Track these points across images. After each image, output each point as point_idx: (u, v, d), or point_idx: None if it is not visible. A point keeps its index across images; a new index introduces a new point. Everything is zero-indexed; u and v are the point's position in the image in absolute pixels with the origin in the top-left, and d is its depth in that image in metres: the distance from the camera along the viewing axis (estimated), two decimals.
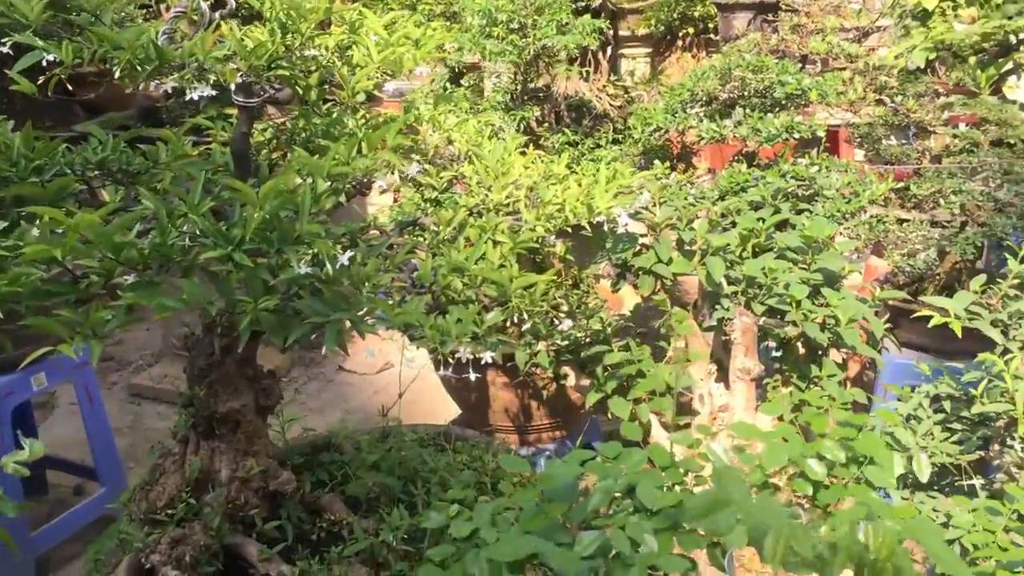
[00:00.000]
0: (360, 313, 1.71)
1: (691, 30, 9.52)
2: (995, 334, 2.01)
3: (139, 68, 1.81)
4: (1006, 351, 1.97)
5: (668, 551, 1.29)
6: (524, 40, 3.71)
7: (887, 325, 2.90)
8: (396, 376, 4.59)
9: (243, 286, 1.82)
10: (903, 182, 4.79)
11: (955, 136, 5.21)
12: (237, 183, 1.71)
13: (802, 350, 2.84)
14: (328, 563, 2.13)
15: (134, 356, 6.07)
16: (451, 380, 3.78)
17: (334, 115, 2.23)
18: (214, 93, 1.84)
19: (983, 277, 2.15)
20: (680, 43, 10.40)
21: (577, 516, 1.37)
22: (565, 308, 3.55)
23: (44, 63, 1.91)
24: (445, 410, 4.25)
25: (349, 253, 1.68)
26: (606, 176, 2.43)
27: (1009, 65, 6.17)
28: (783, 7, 5.66)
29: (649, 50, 11.10)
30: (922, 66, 5.97)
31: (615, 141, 4.29)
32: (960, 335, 2.03)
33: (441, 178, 2.41)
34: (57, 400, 5.42)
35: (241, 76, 1.91)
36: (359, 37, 2.36)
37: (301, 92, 2.09)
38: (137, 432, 5.18)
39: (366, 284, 1.72)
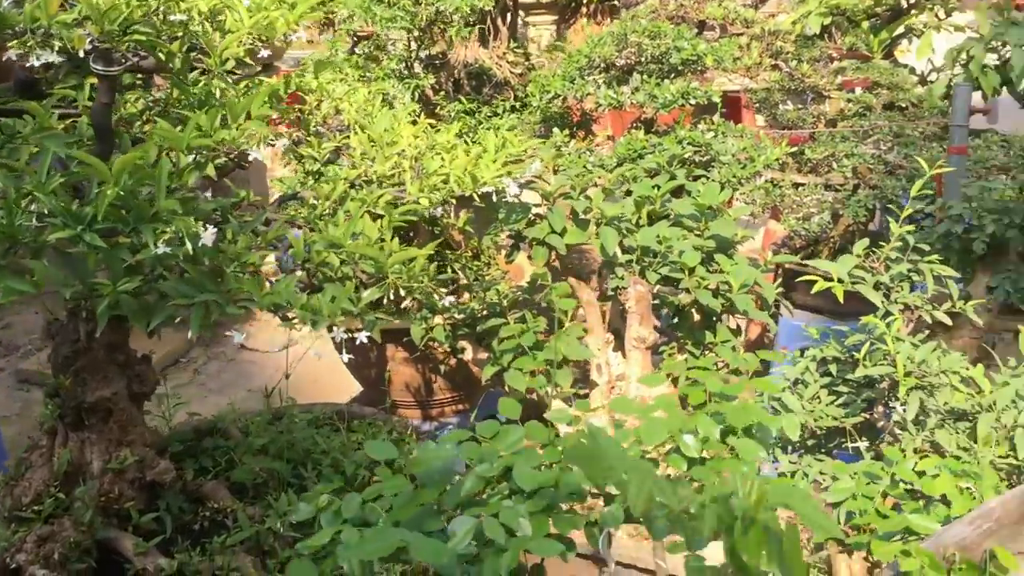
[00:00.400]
0: (227, 293, 1.61)
1: None
2: (876, 297, 2.02)
3: None
4: (888, 314, 1.98)
5: (543, 534, 1.24)
6: (417, 6, 3.60)
7: (780, 289, 2.92)
8: (300, 353, 4.48)
9: (105, 268, 1.71)
10: (799, 146, 4.85)
11: (849, 100, 5.29)
12: (87, 157, 1.59)
13: (697, 317, 2.84)
14: (210, 554, 2.04)
15: (22, 340, 5.80)
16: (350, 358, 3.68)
17: (207, 84, 2.11)
18: (59, 60, 1.70)
19: (866, 241, 2.16)
20: (585, 10, 10.35)
21: (451, 502, 1.32)
22: (464, 281, 3.49)
23: None
24: (350, 387, 4.16)
25: (213, 230, 1.58)
26: (495, 145, 2.36)
27: (900, 29, 6.29)
28: None
29: (555, 17, 11.03)
30: (818, 31, 6.04)
31: (515, 109, 4.22)
32: (844, 299, 2.04)
33: (324, 149, 2.31)
34: None
35: (92, 42, 1.77)
36: (230, 1, 2.24)
37: (164, 59, 1.96)
38: (26, 420, 4.94)
39: (234, 263, 1.62)
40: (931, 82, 5.84)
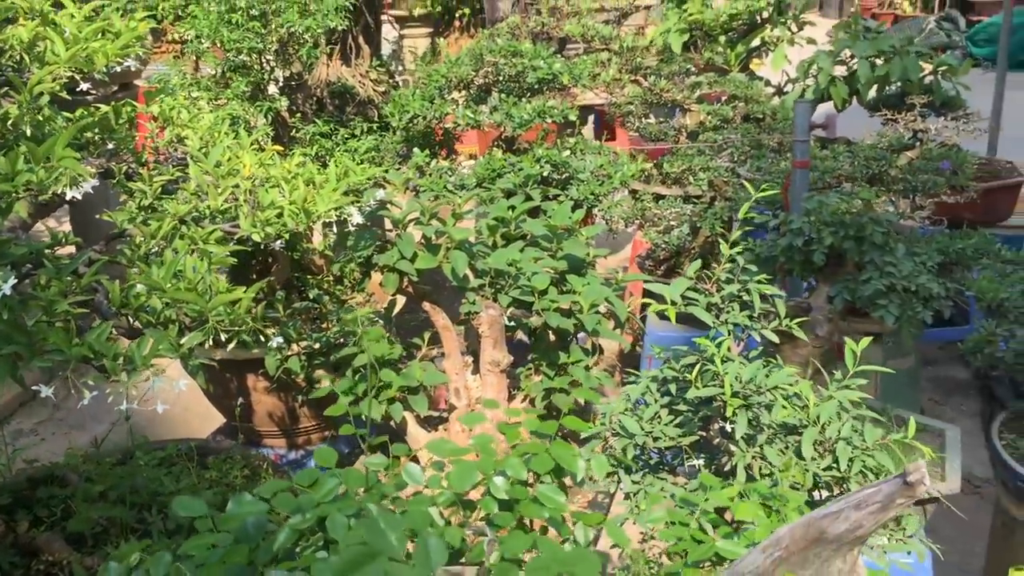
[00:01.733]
0: (33, 345, 1.54)
1: (467, 10, 9.48)
2: (707, 317, 2.08)
3: None
4: (719, 334, 2.04)
5: None
6: (266, 28, 3.53)
7: (644, 301, 2.98)
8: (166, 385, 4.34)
9: None
10: (659, 159, 4.97)
11: (708, 113, 5.45)
12: None
13: (553, 338, 2.87)
14: None
15: None
16: (209, 389, 3.59)
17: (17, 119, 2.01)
18: None
19: (699, 262, 2.22)
20: (458, 23, 10.40)
21: (263, 557, 1.29)
22: (323, 308, 3.44)
23: None
24: (218, 416, 4.04)
25: (12, 280, 1.50)
26: (336, 175, 2.33)
27: (756, 42, 6.53)
28: None
29: (429, 30, 11.06)
30: (676, 48, 6.22)
31: (376, 129, 4.19)
32: (675, 320, 2.08)
33: (155, 183, 2.23)
34: None
35: None
36: (51, 33, 2.15)
37: None
38: None
39: (41, 312, 1.55)
40: (786, 93, 6.09)
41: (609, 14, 6.39)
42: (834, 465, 1.93)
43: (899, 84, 5.30)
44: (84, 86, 2.08)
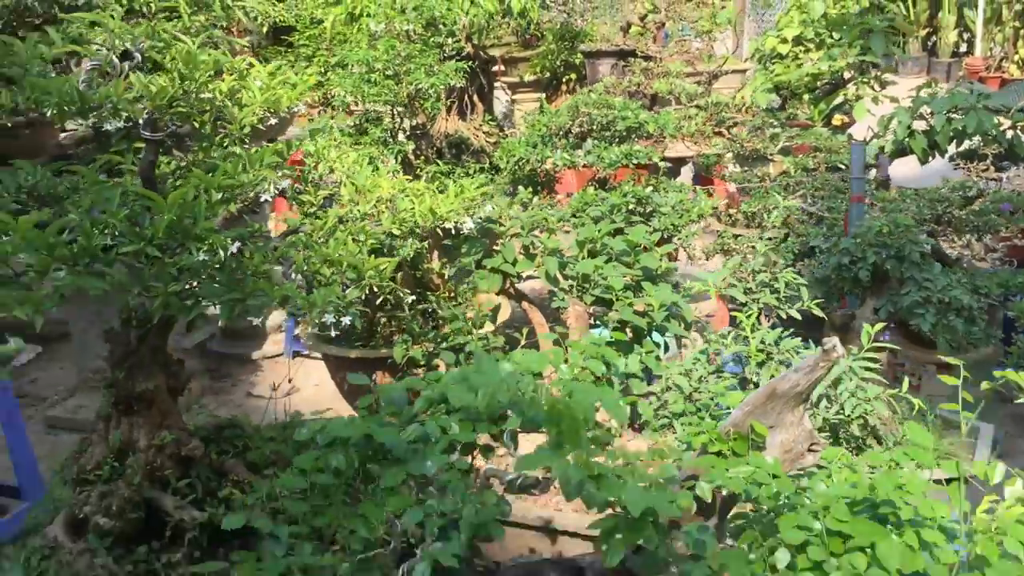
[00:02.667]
0: (248, 292, 2.22)
1: (573, 75, 10.21)
2: (742, 297, 2.62)
3: (66, 109, 2.31)
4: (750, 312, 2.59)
5: (467, 433, 1.83)
6: (398, 84, 4.28)
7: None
8: (300, 399, 5.07)
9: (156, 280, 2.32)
10: (741, 202, 5.51)
11: (791, 163, 5.98)
12: (150, 193, 2.23)
13: (630, 333, 3.44)
14: (234, 509, 2.60)
15: (48, 392, 6.35)
16: (343, 385, 4.26)
17: (227, 147, 2.75)
18: (125, 126, 2.34)
19: (738, 259, 2.77)
20: (564, 87, 11.18)
21: (405, 418, 1.91)
22: (442, 314, 4.10)
23: None
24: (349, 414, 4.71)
25: (236, 245, 2.20)
26: (454, 191, 3.01)
27: (838, 100, 7.02)
28: (638, 54, 6.39)
29: (539, 94, 11.87)
30: (762, 104, 6.77)
31: (486, 170, 4.89)
32: None
33: (319, 196, 2.95)
34: None
35: (147, 114, 2.42)
36: (246, 83, 2.90)
37: (198, 126, 2.61)
38: (55, 459, 5.48)
39: (250, 272, 2.24)
40: (867, 143, 6.55)
41: (700, 76, 6.99)
42: (840, 412, 2.44)
43: (977, 137, 5.70)
44: (272, 121, 2.81)
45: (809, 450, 1.80)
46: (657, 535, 1.47)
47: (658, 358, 3.38)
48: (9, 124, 2.76)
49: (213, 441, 2.96)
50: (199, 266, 2.19)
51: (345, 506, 1.86)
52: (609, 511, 1.53)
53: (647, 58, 6.43)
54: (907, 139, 6.03)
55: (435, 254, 4.17)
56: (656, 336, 3.40)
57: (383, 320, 3.98)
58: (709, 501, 1.75)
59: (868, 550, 1.45)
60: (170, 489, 2.66)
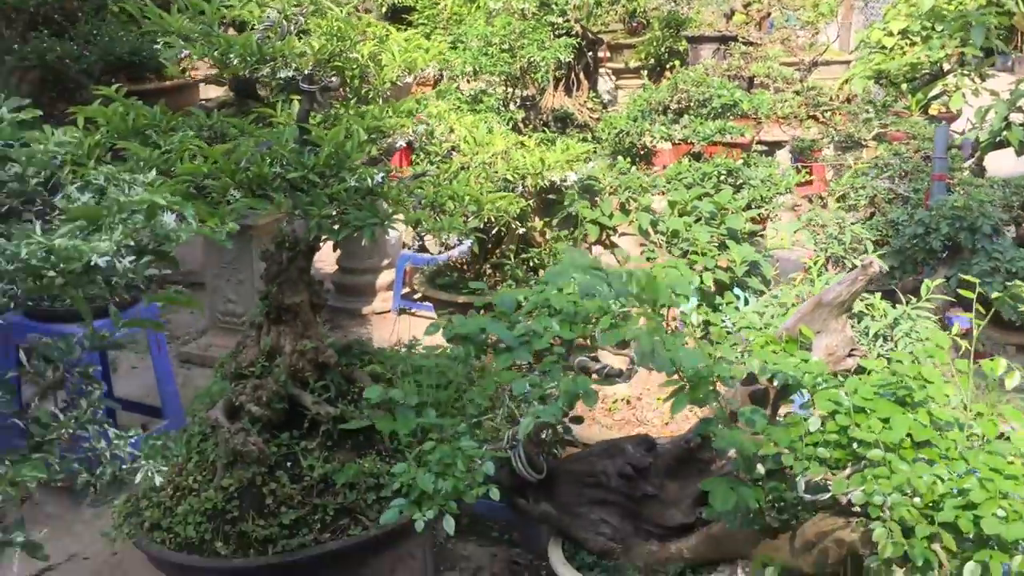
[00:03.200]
0: (387, 215, 2.67)
1: (677, 62, 10.48)
2: (811, 244, 2.96)
3: (247, 59, 2.79)
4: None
5: (566, 330, 2.24)
6: (512, 58, 4.71)
7: None
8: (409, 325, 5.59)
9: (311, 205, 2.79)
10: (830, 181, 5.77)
11: (886, 150, 6.20)
12: (317, 129, 2.70)
13: (712, 287, 3.79)
14: (360, 408, 3.07)
15: (181, 331, 7.02)
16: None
17: (369, 100, 3.21)
18: (293, 75, 2.81)
19: (812, 212, 3.09)
20: (668, 73, 11.44)
21: (515, 318, 2.32)
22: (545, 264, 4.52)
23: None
24: None
25: (380, 175, 2.65)
26: (560, 148, 3.41)
27: (936, 90, 7.15)
28: (740, 39, 6.68)
29: (644, 81, 12.17)
30: (859, 91, 6.96)
31: (590, 140, 5.28)
32: None
33: (442, 147, 3.39)
34: (117, 364, 6.36)
35: (310, 67, 2.89)
36: (385, 47, 3.35)
37: (348, 81, 3.07)
38: (188, 389, 6.11)
39: (388, 200, 2.69)
40: (964, 136, 6.68)
41: (800, 64, 7.22)
42: (894, 350, 2.76)
43: None
44: (409, 79, 3.26)
45: (850, 355, 2.14)
46: (714, 396, 1.84)
47: (737, 309, 3.73)
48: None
49: (343, 354, 3.44)
50: (350, 192, 2.65)
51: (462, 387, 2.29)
52: (676, 377, 1.90)
53: (748, 43, 6.71)
54: (1004, 131, 6.16)
55: (536, 216, 4.59)
56: (737, 291, 3.75)
57: (488, 271, 4.42)
58: (763, 386, 2.11)
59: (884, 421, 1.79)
60: (309, 388, 3.14)
